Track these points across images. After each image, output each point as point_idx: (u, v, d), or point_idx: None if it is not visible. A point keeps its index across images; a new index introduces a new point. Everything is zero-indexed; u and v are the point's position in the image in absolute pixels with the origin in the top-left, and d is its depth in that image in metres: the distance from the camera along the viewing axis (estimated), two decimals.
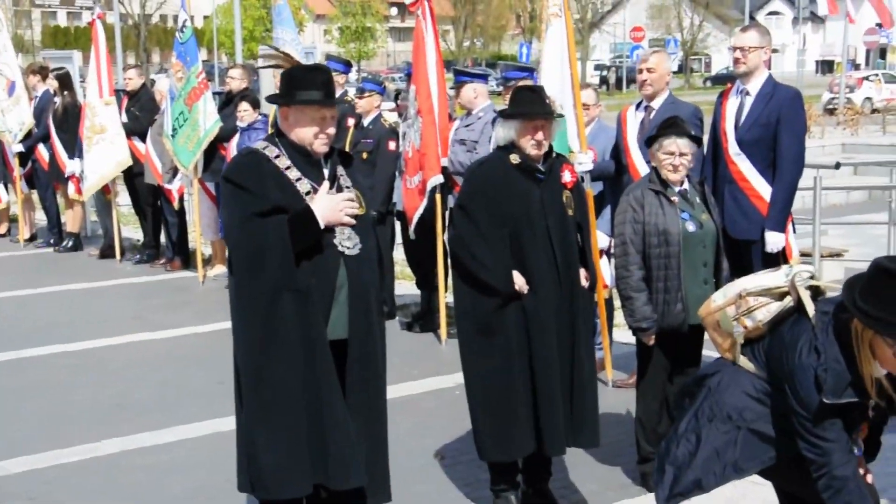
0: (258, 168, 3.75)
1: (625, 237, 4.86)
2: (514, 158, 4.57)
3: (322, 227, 3.72)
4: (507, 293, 4.48)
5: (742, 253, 6.00)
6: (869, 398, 3.29)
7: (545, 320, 4.52)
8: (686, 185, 4.94)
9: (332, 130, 3.85)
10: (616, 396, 6.28)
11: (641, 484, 5.03)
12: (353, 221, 3.80)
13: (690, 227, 4.83)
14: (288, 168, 3.77)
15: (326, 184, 3.80)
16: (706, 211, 4.94)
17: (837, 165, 10.41)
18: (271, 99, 4.05)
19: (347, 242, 3.79)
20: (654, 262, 4.82)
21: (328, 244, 3.75)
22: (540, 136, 4.56)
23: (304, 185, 3.77)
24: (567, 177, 4.70)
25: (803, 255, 9.47)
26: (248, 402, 3.77)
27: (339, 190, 3.85)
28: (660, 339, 4.89)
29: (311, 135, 3.79)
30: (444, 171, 7.39)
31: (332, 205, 3.74)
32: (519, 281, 4.48)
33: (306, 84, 3.79)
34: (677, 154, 4.84)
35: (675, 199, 4.86)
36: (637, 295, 4.83)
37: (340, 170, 3.92)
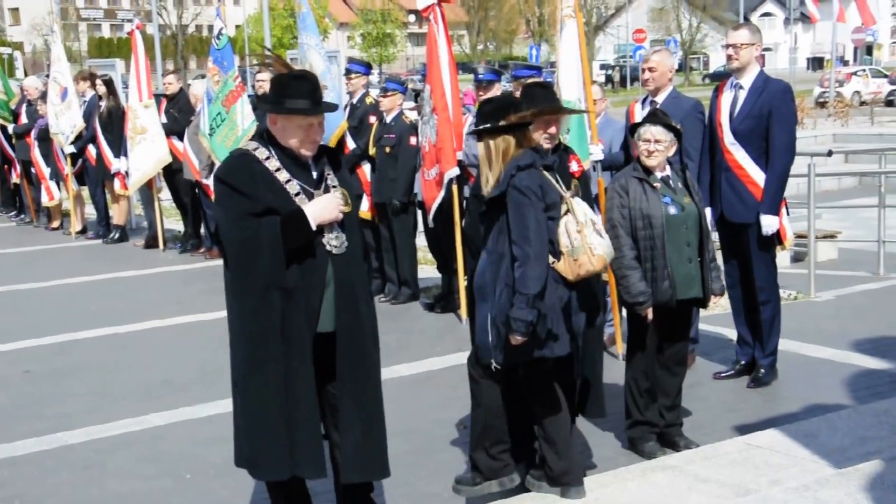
0: (249, 169, 3.65)
1: (613, 221, 4.88)
2: None
3: (314, 228, 3.65)
4: None
5: (739, 235, 6.00)
6: None
7: None
8: (668, 172, 4.96)
9: (318, 137, 3.75)
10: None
11: (629, 448, 5.04)
12: (341, 217, 3.72)
13: (672, 210, 4.86)
14: (278, 170, 3.68)
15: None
16: (688, 195, 4.95)
17: (830, 153, 10.33)
18: (262, 105, 3.97)
19: (335, 241, 3.71)
20: (641, 243, 4.84)
21: (317, 244, 3.67)
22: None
23: (293, 187, 3.68)
24: (574, 167, 4.70)
25: (799, 236, 9.45)
26: (237, 391, 3.76)
27: (327, 189, 3.76)
28: (652, 313, 4.91)
29: (298, 141, 3.69)
30: (460, 163, 7.38)
31: (322, 205, 3.67)
32: None
33: (293, 92, 3.67)
34: (652, 141, 4.88)
35: (657, 185, 4.88)
36: (631, 273, 4.83)
37: (328, 170, 3.83)
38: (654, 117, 5.00)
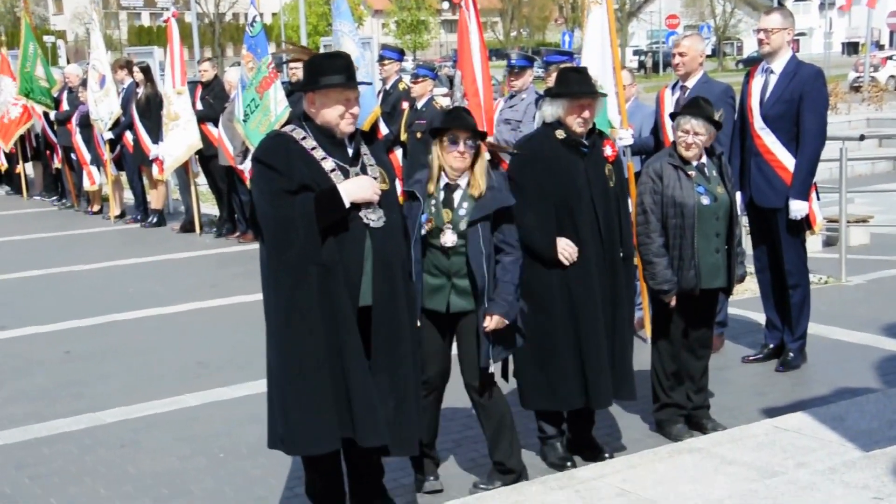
0: (286, 148, 3.71)
1: (645, 206, 4.84)
2: (560, 134, 4.53)
3: (347, 205, 3.66)
4: (550, 259, 4.46)
5: (768, 220, 5.93)
6: None
7: (591, 284, 4.49)
8: (704, 159, 4.89)
9: (356, 110, 3.79)
10: None
11: (657, 431, 5.03)
12: (377, 198, 3.74)
13: (705, 200, 4.80)
14: (314, 148, 3.72)
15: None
16: (721, 184, 4.89)
17: (862, 137, 10.22)
18: (298, 87, 4.00)
19: (372, 216, 3.73)
20: (670, 231, 4.81)
21: (354, 218, 3.69)
22: (586, 114, 4.52)
23: (328, 164, 3.72)
24: (608, 151, 4.67)
25: (831, 221, 9.32)
26: (277, 367, 3.76)
27: (363, 166, 3.79)
28: (676, 300, 4.87)
29: (337, 115, 3.73)
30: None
31: (358, 184, 3.70)
32: (566, 247, 4.44)
33: (328, 70, 3.73)
34: (691, 133, 4.80)
35: (692, 173, 4.83)
36: (658, 260, 4.80)
37: (364, 148, 3.86)
38: (696, 108, 4.85)
